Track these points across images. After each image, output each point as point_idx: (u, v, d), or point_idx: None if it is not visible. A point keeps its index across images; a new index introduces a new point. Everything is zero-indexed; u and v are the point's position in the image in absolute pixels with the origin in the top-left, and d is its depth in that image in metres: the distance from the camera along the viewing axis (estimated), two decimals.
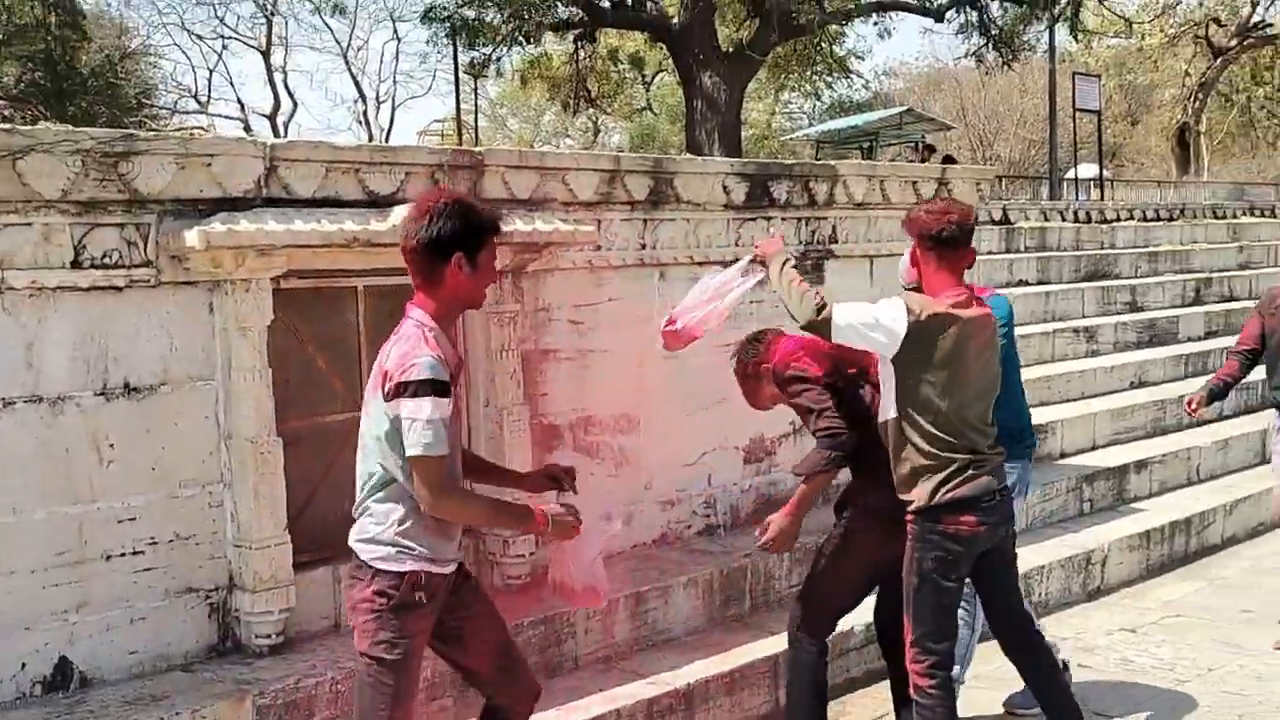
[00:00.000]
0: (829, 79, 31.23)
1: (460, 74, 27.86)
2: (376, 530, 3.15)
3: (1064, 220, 12.21)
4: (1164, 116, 35.51)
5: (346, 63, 38.34)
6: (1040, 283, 10.44)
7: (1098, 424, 7.86)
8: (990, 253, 10.46)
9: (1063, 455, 7.53)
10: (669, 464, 5.52)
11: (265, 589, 4.09)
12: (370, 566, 3.14)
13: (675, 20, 20.20)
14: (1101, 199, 21.89)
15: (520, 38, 20.76)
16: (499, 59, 22.45)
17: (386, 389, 3.06)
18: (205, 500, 4.09)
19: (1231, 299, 11.63)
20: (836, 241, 6.13)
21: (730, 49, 20.18)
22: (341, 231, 4.11)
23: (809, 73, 27.08)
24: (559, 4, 19.89)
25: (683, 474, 5.59)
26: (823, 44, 23.78)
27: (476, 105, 32.23)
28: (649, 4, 21.39)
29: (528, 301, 4.96)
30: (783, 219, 5.85)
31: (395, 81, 49.02)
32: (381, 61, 68.34)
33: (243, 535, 4.09)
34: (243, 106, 37.63)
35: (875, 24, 22.39)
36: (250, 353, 4.08)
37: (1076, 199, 20.96)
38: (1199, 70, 30.82)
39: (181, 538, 4.04)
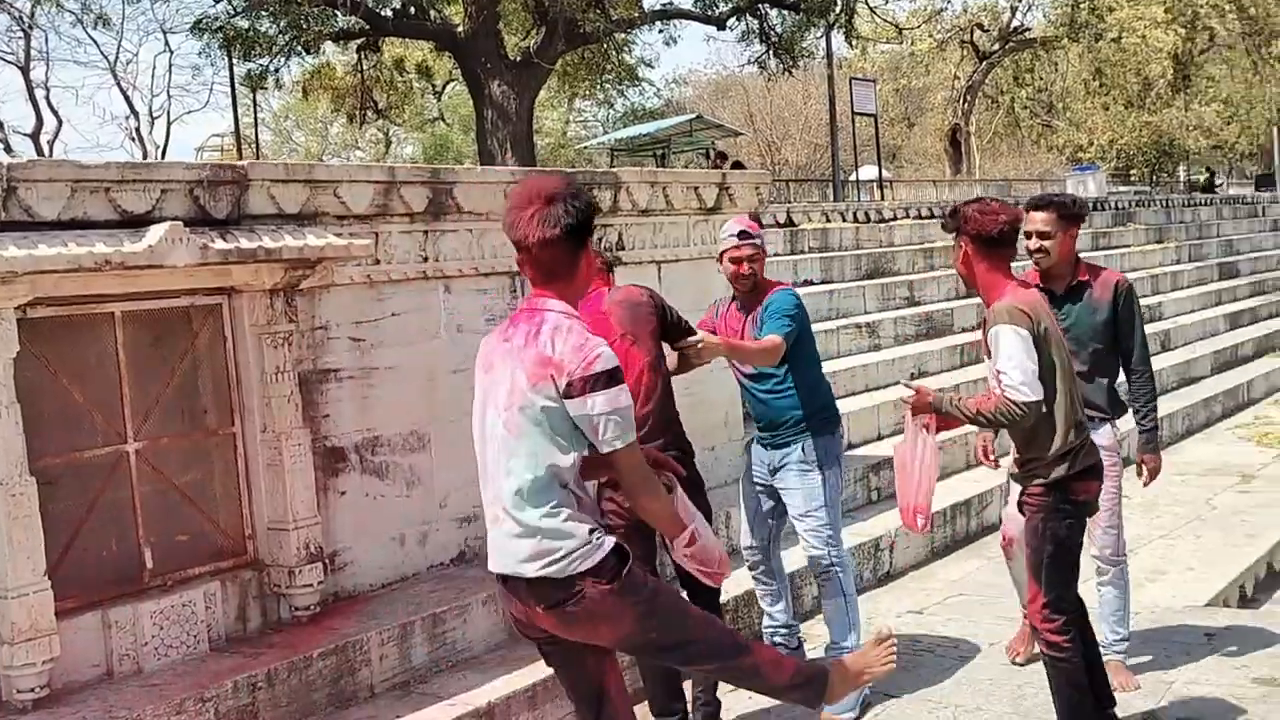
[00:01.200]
0: (619, 87, 31.57)
1: (237, 86, 26.92)
2: (562, 544, 2.96)
3: (844, 221, 12.66)
4: (937, 118, 37.36)
5: (115, 77, 36.32)
6: (824, 282, 10.77)
7: (881, 415, 8.16)
8: (776, 254, 10.72)
9: (850, 446, 7.76)
10: (464, 480, 5.40)
11: (25, 640, 3.80)
12: (582, 576, 2.95)
13: (460, 29, 20.00)
14: (882, 199, 22.84)
15: (299, 48, 20.15)
16: (278, 70, 21.73)
17: (567, 384, 2.90)
18: None
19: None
20: (623, 248, 6.15)
21: (519, 58, 20.12)
22: (91, 255, 3.86)
23: (600, 81, 27.26)
24: (338, 13, 19.37)
25: (477, 490, 5.47)
26: (611, 52, 23.97)
27: (256, 119, 31.17)
28: (432, 13, 21.12)
29: (303, 320, 4.78)
30: None
31: (169, 96, 46.89)
32: (154, 75, 65.21)
33: None
34: (1, 126, 35.29)
35: (661, 31, 22.72)
36: None
37: (859, 200, 21.79)
38: (966, 73, 32.54)
39: None
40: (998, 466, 5.21)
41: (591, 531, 2.99)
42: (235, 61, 21.11)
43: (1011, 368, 3.82)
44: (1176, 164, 47.35)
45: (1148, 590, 6.15)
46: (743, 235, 4.70)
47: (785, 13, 21.53)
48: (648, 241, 6.32)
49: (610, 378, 2.93)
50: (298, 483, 4.62)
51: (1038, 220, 4.72)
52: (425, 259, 5.25)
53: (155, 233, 4.03)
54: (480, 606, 4.96)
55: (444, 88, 35.59)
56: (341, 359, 4.96)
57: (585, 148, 37.35)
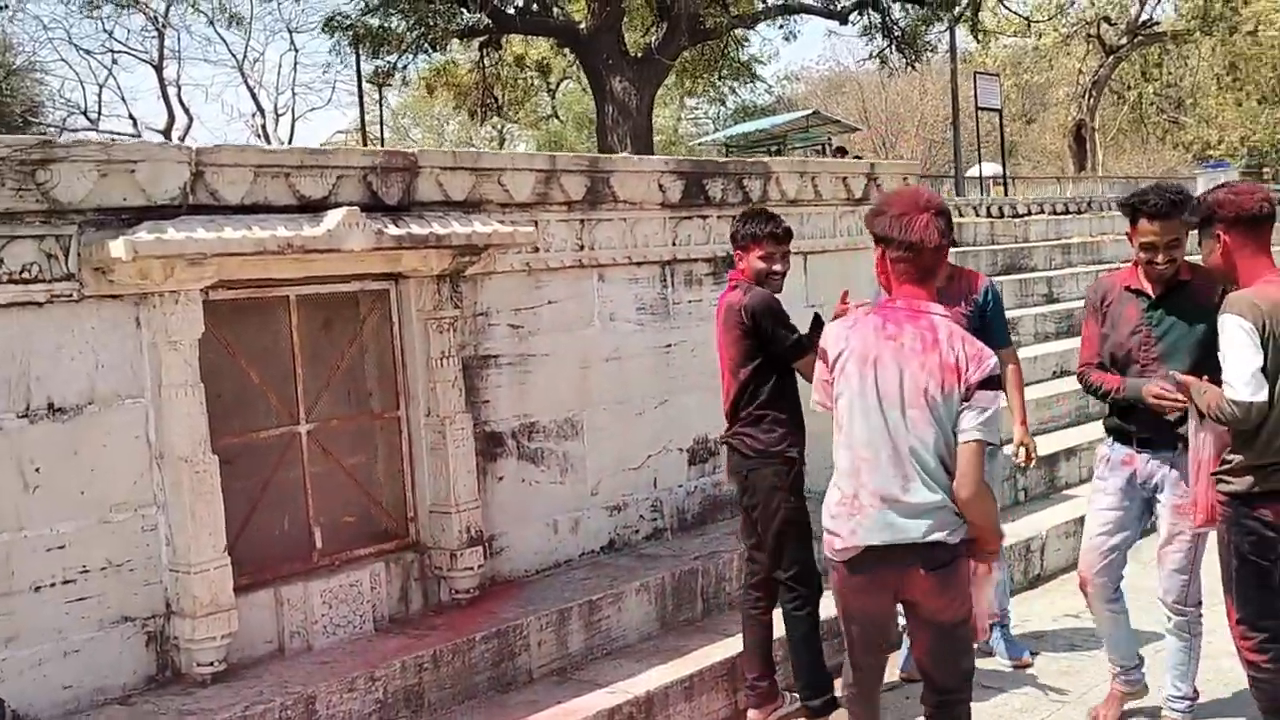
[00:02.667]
0: (735, 83, 31.46)
1: (364, 84, 27.49)
2: (954, 520, 3.32)
3: (977, 215, 12.40)
4: (1059, 114, 36.44)
5: (243, 75, 37.51)
6: None
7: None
8: None
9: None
10: (614, 468, 5.42)
11: (205, 614, 3.90)
12: (960, 545, 3.35)
13: (583, 25, 20.13)
14: (1005, 195, 22.35)
15: (426, 45, 20.51)
16: (404, 67, 22.17)
17: (967, 387, 3.27)
18: (139, 524, 3.89)
19: None
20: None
21: (639, 54, 20.17)
22: (275, 238, 3.94)
23: (716, 77, 27.19)
24: (465, 10, 19.66)
25: (628, 478, 5.49)
26: (729, 48, 23.90)
27: (382, 115, 31.82)
28: (555, 9, 21.31)
29: (466, 306, 4.83)
30: (718, 216, 5.79)
31: (294, 93, 48.23)
32: (279, 73, 66.98)
33: (179, 559, 3.90)
34: (135, 122, 36.56)
35: (781, 27, 22.56)
36: (181, 368, 3.89)
37: (980, 196, 21.36)
38: (1091, 68, 31.68)
39: (114, 564, 3.83)
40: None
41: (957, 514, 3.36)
42: (363, 59, 21.60)
43: (1230, 362, 3.62)
44: None
45: None
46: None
47: (909, 6, 21.24)
48: (796, 232, 6.18)
49: (997, 381, 3.32)
50: (460, 467, 4.67)
51: (1159, 231, 4.05)
52: (581, 248, 5.27)
53: (333, 217, 4.09)
54: (634, 595, 4.96)
55: (558, 85, 35.85)
56: (500, 345, 5.00)
57: (699, 144, 37.28)
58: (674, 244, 5.62)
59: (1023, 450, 5.05)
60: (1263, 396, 3.55)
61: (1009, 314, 9.81)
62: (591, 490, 5.36)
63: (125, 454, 3.86)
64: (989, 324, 4.80)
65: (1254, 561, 3.74)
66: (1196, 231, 3.82)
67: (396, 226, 4.31)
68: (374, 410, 4.74)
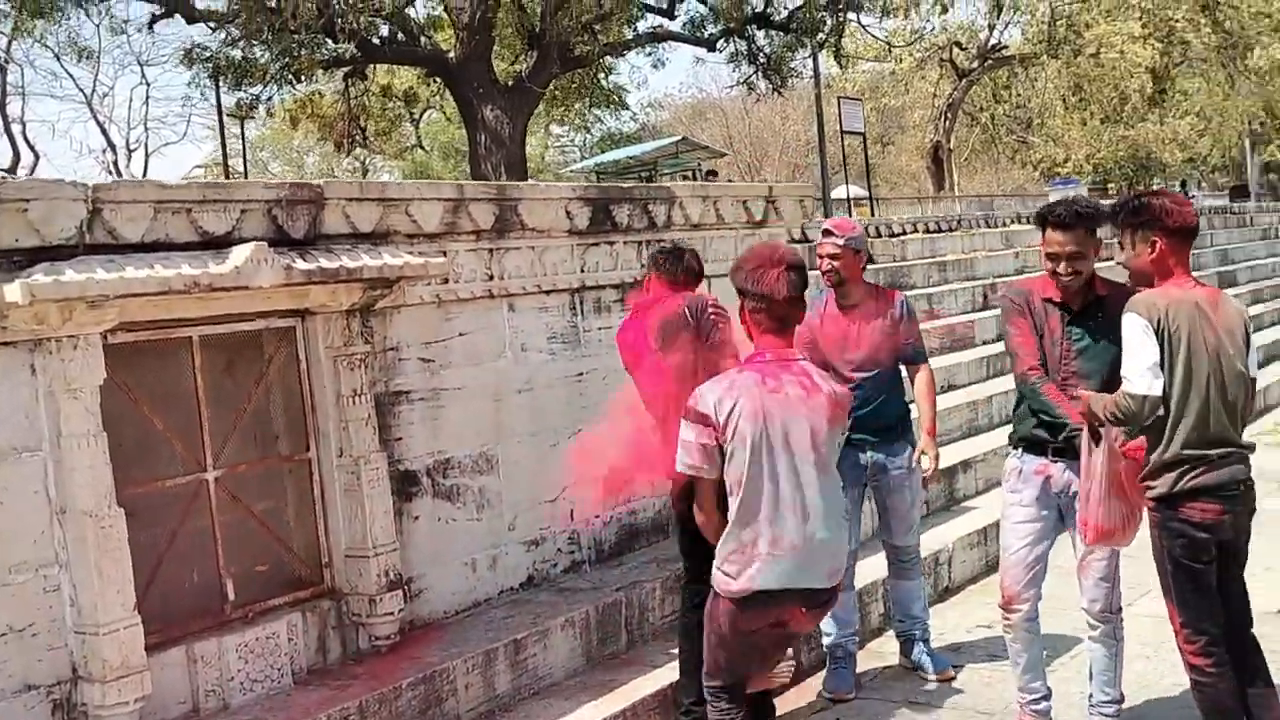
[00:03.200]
0: (602, 111, 31.63)
1: (224, 117, 26.77)
2: (842, 563, 3.86)
3: None
4: (917, 137, 37.56)
5: (91, 110, 36.09)
6: None
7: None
8: None
9: None
10: (530, 502, 5.30)
11: (116, 678, 3.66)
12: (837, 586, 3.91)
13: (451, 54, 19.96)
14: (871, 216, 22.88)
15: (290, 76, 20.07)
16: (268, 99, 21.66)
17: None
18: (40, 585, 3.64)
19: None
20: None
21: (510, 82, 20.09)
22: (180, 277, 3.74)
23: (584, 105, 27.28)
24: (330, 40, 19.30)
25: (545, 511, 5.38)
26: (599, 76, 24.01)
27: (244, 148, 30.99)
28: (422, 38, 21.09)
29: (377, 341, 4.67)
30: (624, 242, 5.75)
31: (146, 128, 46.60)
32: (130, 108, 64.84)
33: (85, 620, 3.66)
34: None
35: (649, 54, 22.76)
36: (82, 416, 3.66)
37: (849, 217, 21.83)
38: (946, 92, 32.75)
39: (15, 630, 3.57)
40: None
41: None
42: (224, 91, 21.01)
43: (1126, 357, 3.70)
44: (1152, 177, 47.87)
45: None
46: (826, 233, 4.75)
47: (774, 33, 21.65)
48: (699, 255, 6.23)
49: None
50: (376, 508, 4.50)
51: (1065, 241, 4.08)
52: (490, 277, 5.16)
53: (240, 253, 3.91)
54: (559, 631, 4.84)
55: (422, 114, 35.49)
56: (412, 380, 4.85)
57: (568, 172, 37.34)
58: (583, 271, 5.55)
59: (924, 459, 5.09)
60: (1157, 390, 3.63)
61: None
62: (509, 525, 5.24)
63: (23, 511, 3.61)
64: (904, 336, 4.89)
65: (1187, 565, 3.76)
66: (1128, 232, 3.88)
67: (305, 261, 4.14)
68: (283, 453, 4.54)
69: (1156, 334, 3.65)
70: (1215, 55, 32.50)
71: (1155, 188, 5.34)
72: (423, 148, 41.18)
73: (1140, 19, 29.56)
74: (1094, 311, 4.16)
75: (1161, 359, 3.66)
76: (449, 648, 4.58)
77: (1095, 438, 3.90)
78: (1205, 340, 3.68)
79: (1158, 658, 5.12)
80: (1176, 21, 30.54)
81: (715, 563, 3.71)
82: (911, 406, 5.20)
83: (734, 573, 3.63)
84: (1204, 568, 3.77)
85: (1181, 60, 33.57)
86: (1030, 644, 4.46)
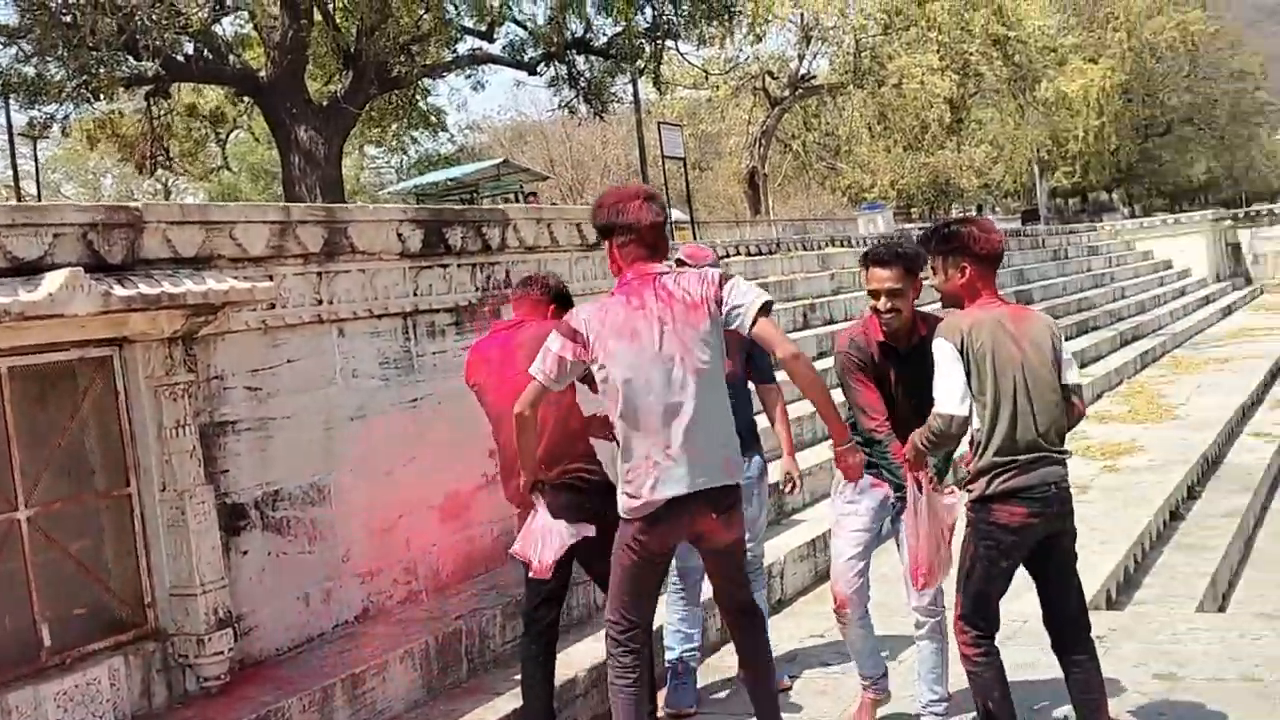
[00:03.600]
0: (419, 133, 31.24)
1: (15, 137, 25.30)
2: (737, 462, 4.05)
3: None
4: (733, 162, 38.46)
5: None
6: None
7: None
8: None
9: None
10: (364, 532, 5.17)
11: None
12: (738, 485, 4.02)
13: (262, 74, 19.39)
14: (693, 239, 23.29)
15: (88, 94, 19.10)
16: (65, 118, 20.57)
17: (716, 301, 3.86)
18: None
19: (832, 321, 12.70)
20: (511, 286, 6.03)
21: (324, 102, 19.65)
22: None
23: (402, 126, 26.89)
24: (131, 57, 18.46)
25: (380, 541, 5.25)
26: (416, 97, 23.72)
27: (38, 169, 29.33)
28: (231, 57, 20.42)
29: (200, 370, 4.48)
30: (458, 265, 5.69)
31: None
32: None
33: None
34: None
35: (469, 77, 22.63)
36: None
37: (671, 241, 22.16)
38: (760, 119, 33.65)
39: None
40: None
41: None
42: (15, 109, 19.86)
43: (936, 382, 3.93)
44: (951, 201, 50.29)
45: (1032, 599, 6.39)
46: (679, 263, 4.81)
47: (594, 59, 21.84)
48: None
49: (730, 278, 3.87)
50: (203, 544, 4.31)
51: (884, 277, 4.29)
52: (320, 302, 5.02)
53: (54, 279, 3.70)
54: (398, 664, 4.72)
55: (228, 135, 34.38)
56: (239, 410, 4.67)
57: (387, 194, 36.75)
58: (415, 294, 5.46)
59: (790, 481, 5.28)
60: (964, 410, 3.89)
61: None
62: (342, 557, 5.08)
63: None
64: (756, 357, 4.98)
65: (985, 565, 4.02)
66: (939, 259, 4.08)
67: (124, 287, 3.95)
68: (100, 489, 4.30)
69: (961, 354, 3.89)
70: (1007, 87, 34.42)
71: (964, 215, 5.63)
72: (230, 169, 39.84)
73: (938, 52, 31.02)
74: (919, 352, 4.24)
75: (969, 377, 3.90)
76: (284, 685, 4.41)
77: (919, 485, 4.13)
78: (1010, 353, 3.92)
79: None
80: (971, 55, 32.18)
81: (619, 490, 3.89)
82: (759, 417, 5.28)
83: (635, 491, 3.79)
84: (1001, 570, 4.04)
85: (976, 91, 35.39)
86: (866, 639, 4.71)
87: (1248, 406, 13.49)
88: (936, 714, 4.61)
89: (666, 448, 3.74)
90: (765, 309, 3.80)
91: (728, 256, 13.74)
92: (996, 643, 4.14)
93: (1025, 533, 3.98)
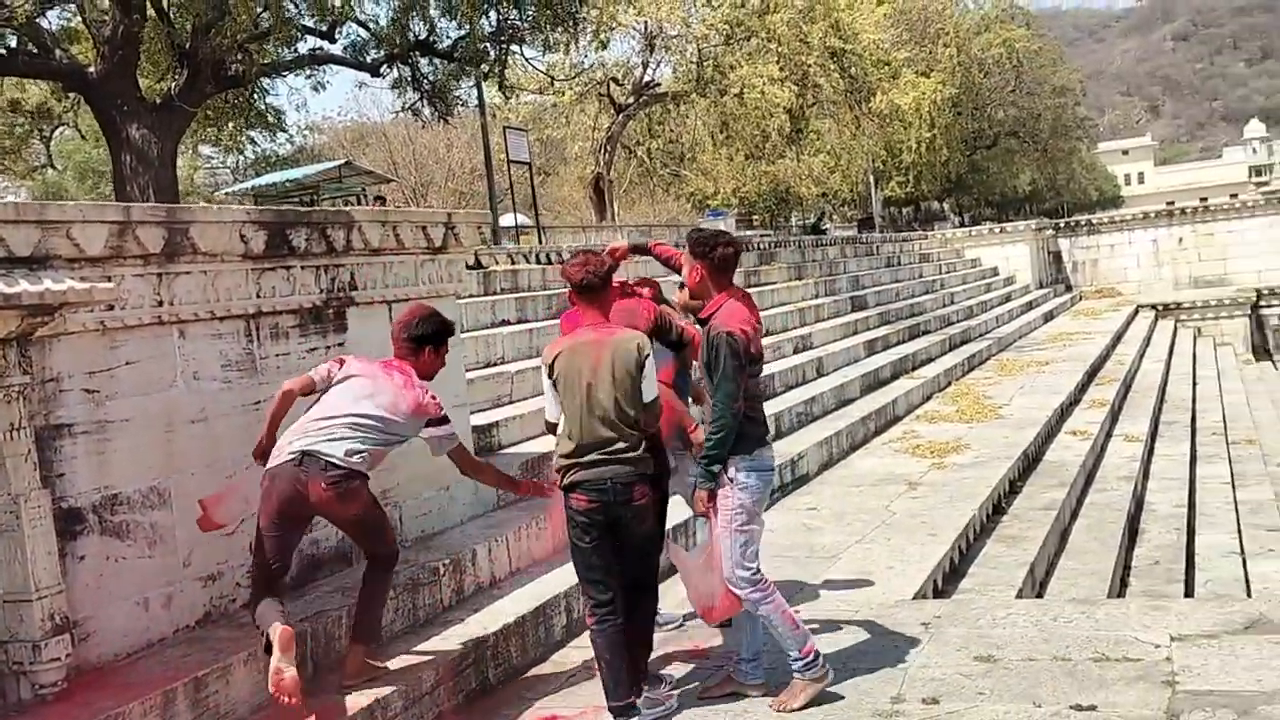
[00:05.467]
0: (257, 133, 30.46)
1: None
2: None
3: (528, 263, 12.91)
4: (578, 167, 38.64)
5: None
6: (520, 321, 10.95)
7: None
8: (472, 296, 10.80)
9: None
10: (207, 536, 5.10)
11: None
12: None
13: (91, 69, 18.65)
14: (539, 243, 23.39)
15: None
16: None
17: None
18: None
19: None
20: (356, 288, 6.04)
21: (158, 100, 19.01)
22: None
23: (239, 125, 26.19)
24: None
25: (222, 545, 5.19)
26: (255, 96, 23.14)
27: None
28: (57, 51, 19.58)
29: (36, 372, 4.38)
30: (302, 267, 5.67)
31: None
32: None
33: None
34: None
35: (309, 77, 22.20)
36: None
37: (516, 245, 22.19)
38: (605, 125, 33.91)
39: None
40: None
41: None
42: None
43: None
44: (791, 209, 51.58)
45: (864, 590, 6.72)
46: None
47: (438, 61, 21.68)
48: (379, 281, 6.24)
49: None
50: (39, 549, 4.22)
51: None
52: (160, 303, 4.95)
53: None
54: (242, 666, 4.70)
55: (53, 132, 32.90)
56: (75, 413, 4.58)
57: (225, 194, 35.71)
58: (258, 296, 5.43)
59: None
60: (550, 416, 5.09)
61: None
62: (184, 561, 5.02)
63: None
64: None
65: (574, 543, 4.95)
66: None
67: None
68: None
69: (549, 373, 4.98)
70: (843, 99, 35.53)
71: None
72: (54, 167, 38.14)
73: (778, 63, 31.82)
74: (703, 325, 5.13)
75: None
76: (123, 690, 4.34)
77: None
78: (580, 373, 4.86)
79: None
80: (810, 66, 33.12)
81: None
82: None
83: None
84: (587, 547, 4.91)
85: (815, 102, 36.33)
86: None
87: (1066, 406, 14.29)
88: (745, 671, 5.19)
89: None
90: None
91: None
92: None
93: (591, 515, 4.87)
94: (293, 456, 4.71)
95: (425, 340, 5.12)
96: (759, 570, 4.96)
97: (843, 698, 5.00)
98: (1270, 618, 5.62)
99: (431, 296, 6.60)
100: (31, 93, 24.80)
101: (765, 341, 5.89)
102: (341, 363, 5.07)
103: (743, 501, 4.92)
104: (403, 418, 4.92)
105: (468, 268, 11.29)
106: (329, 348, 5.83)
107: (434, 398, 5.02)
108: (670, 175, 44.27)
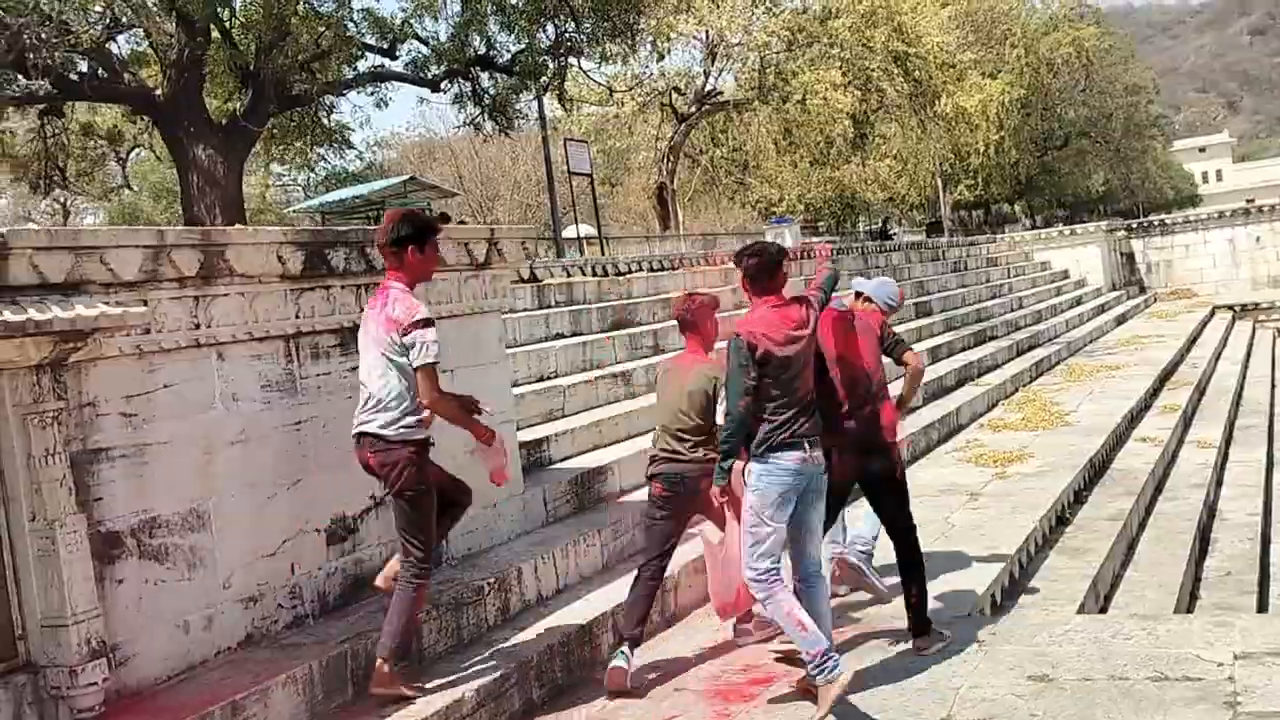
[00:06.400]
0: (325, 150, 30.90)
1: None
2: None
3: (584, 275, 12.89)
4: (642, 177, 38.67)
5: None
6: (575, 334, 10.91)
7: (646, 461, 8.33)
8: (526, 310, 10.80)
9: (623, 492, 7.90)
10: (247, 557, 5.12)
11: None
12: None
13: (159, 92, 19.02)
14: (602, 254, 23.40)
15: None
16: None
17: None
18: None
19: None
20: None
21: (224, 120, 19.34)
22: None
23: (306, 143, 26.59)
24: (21, 75, 17.99)
25: (264, 566, 5.20)
26: (319, 114, 23.46)
27: None
28: (126, 75, 20.01)
29: (71, 397, 4.42)
30: (342, 286, 5.67)
31: None
32: None
33: None
34: None
35: (372, 94, 22.42)
36: None
37: (580, 256, 22.22)
38: (667, 135, 33.88)
39: None
40: None
41: None
42: None
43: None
44: (857, 215, 51.12)
45: None
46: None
47: (498, 75, 21.79)
48: (422, 297, 6.21)
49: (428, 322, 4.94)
50: (76, 574, 4.25)
51: None
52: (197, 326, 4.97)
53: None
54: (280, 689, 4.69)
55: (129, 153, 33.66)
56: (112, 437, 4.61)
57: (293, 211, 36.30)
58: (298, 317, 5.44)
59: None
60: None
61: (621, 367, 10.31)
62: (224, 583, 5.03)
63: None
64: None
65: (646, 518, 5.96)
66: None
67: None
68: None
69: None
70: (908, 102, 35.13)
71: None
72: (130, 187, 39.10)
73: (841, 68, 31.55)
74: None
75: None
76: (160, 714, 4.36)
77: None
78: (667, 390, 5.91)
79: None
80: (873, 71, 32.81)
81: None
82: None
83: None
84: (655, 523, 5.86)
85: (879, 106, 36.00)
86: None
87: (1136, 412, 13.92)
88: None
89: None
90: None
91: (629, 272, 13.82)
92: None
93: (664, 502, 5.85)
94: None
95: (405, 241, 5.03)
96: (768, 571, 5.06)
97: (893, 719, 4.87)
98: None
99: (475, 313, 6.59)
100: (105, 116, 25.39)
101: None
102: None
103: (751, 503, 5.11)
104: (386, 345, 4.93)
105: (522, 280, 11.32)
106: None
107: (407, 308, 4.90)
108: (735, 183, 44.13)
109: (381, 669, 4.87)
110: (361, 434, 4.94)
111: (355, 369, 5.72)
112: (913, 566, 5.73)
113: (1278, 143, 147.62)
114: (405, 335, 4.82)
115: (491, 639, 5.75)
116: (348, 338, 5.69)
